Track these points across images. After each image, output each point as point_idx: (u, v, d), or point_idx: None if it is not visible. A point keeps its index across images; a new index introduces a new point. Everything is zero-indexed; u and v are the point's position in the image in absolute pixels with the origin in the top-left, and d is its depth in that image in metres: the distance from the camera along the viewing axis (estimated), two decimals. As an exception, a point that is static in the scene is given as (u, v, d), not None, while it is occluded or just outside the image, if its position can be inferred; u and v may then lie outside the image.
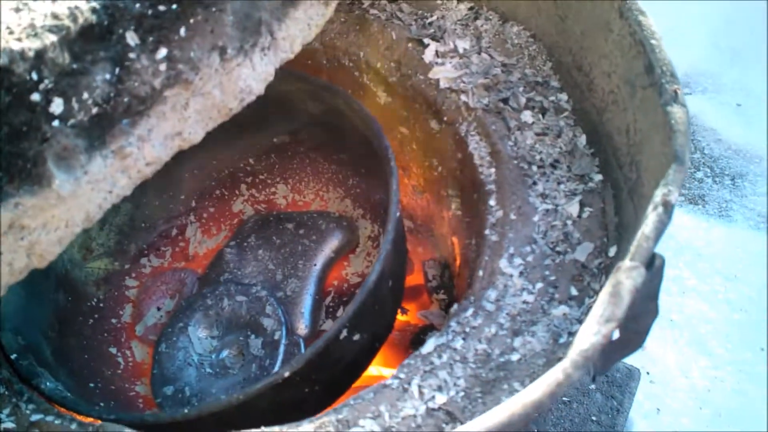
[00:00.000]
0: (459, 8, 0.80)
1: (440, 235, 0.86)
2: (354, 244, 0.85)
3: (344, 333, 0.61)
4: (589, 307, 0.56)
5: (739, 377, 1.10)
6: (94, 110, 0.46)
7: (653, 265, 0.43)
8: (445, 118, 0.75)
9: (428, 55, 0.77)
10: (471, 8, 0.80)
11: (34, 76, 0.41)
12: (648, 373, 1.10)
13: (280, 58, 0.62)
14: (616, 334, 0.39)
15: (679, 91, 0.52)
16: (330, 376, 0.64)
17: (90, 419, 0.58)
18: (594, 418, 0.88)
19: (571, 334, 0.54)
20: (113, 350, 0.80)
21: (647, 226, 0.44)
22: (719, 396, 1.08)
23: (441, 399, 0.51)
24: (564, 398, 0.90)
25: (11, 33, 0.41)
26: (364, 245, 0.86)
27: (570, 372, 0.37)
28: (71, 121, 0.45)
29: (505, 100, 0.71)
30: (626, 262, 0.42)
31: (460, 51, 0.76)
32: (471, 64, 0.75)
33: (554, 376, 0.37)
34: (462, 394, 0.52)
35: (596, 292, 0.56)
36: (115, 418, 0.58)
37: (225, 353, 0.78)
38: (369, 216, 0.86)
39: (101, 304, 0.82)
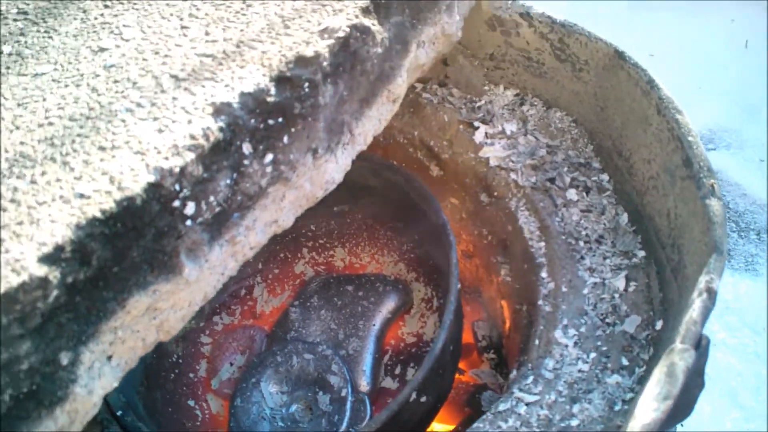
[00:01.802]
0: (506, 94, 0.88)
1: (489, 298, 0.93)
2: (409, 306, 0.93)
3: (413, 396, 0.68)
4: (640, 377, 0.62)
5: (772, 429, 1.15)
6: (217, 209, 0.55)
7: (701, 345, 0.50)
8: (495, 193, 0.83)
9: (478, 136, 0.86)
10: (517, 95, 0.88)
11: (177, 187, 0.50)
12: (682, 425, 1.15)
13: (356, 150, 0.70)
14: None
15: (716, 185, 0.60)
16: (400, 435, 0.71)
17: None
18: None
19: (625, 402, 0.60)
20: (191, 403, 0.88)
21: (694, 311, 0.51)
22: (752, 447, 1.13)
23: (508, 460, 0.58)
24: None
25: (159, 153, 0.50)
26: (418, 307, 0.93)
27: (634, 442, 0.44)
28: (199, 220, 0.53)
29: (552, 180, 0.79)
30: (678, 345, 0.49)
31: (508, 133, 0.85)
32: (518, 145, 0.83)
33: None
34: (527, 455, 0.58)
35: (645, 362, 0.63)
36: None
37: (294, 407, 0.86)
38: (422, 279, 0.93)
39: (180, 360, 0.90)
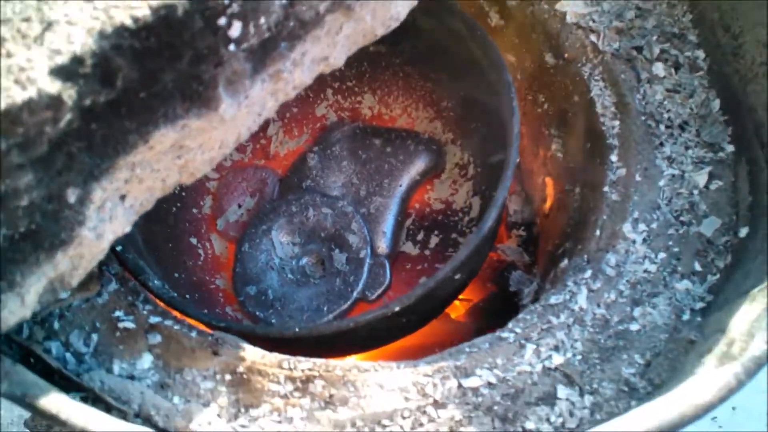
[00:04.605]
0: (598, -64, 0.74)
1: (528, 170, 0.85)
2: (440, 169, 0.84)
3: (450, 273, 0.61)
4: (712, 285, 0.56)
5: None
6: (266, 35, 0.43)
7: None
8: (565, 55, 0.72)
9: (557, -17, 0.72)
10: (611, -62, 0.74)
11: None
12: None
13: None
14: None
15: None
16: (428, 309, 0.66)
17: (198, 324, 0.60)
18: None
19: (695, 311, 0.54)
20: (194, 240, 0.81)
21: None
22: None
23: (558, 359, 0.53)
24: None
25: (206, -52, 0.38)
26: (450, 172, 0.84)
27: (742, 379, 0.38)
28: (244, 45, 0.42)
29: (638, 48, 0.68)
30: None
31: (593, -15, 0.72)
32: (603, 2, 0.71)
33: (725, 379, 0.38)
34: (579, 357, 0.53)
35: (720, 271, 0.57)
36: (225, 326, 0.59)
37: (305, 260, 0.79)
38: (459, 142, 0.84)
39: (183, 193, 0.82)
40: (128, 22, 0.34)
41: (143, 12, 0.35)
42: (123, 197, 0.44)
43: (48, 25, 0.34)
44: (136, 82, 0.37)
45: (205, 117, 0.43)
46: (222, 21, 0.39)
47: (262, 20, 0.42)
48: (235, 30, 0.41)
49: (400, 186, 0.82)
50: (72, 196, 0.38)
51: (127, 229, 0.45)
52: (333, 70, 0.89)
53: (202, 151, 0.46)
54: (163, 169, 0.45)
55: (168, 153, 0.44)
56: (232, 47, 0.41)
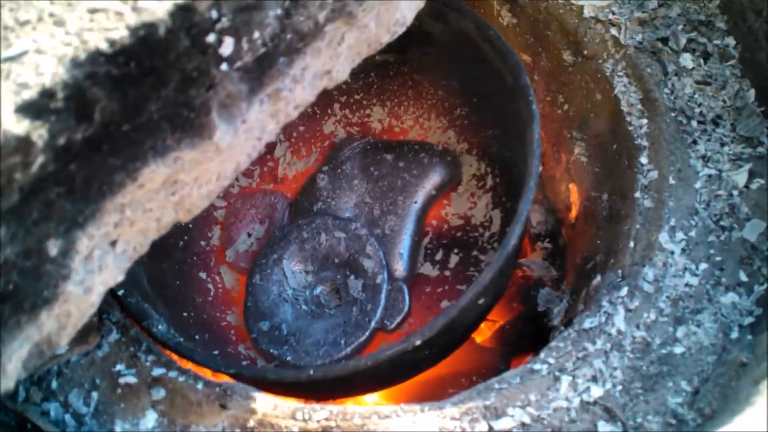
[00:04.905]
0: (610, -76, 0.69)
1: (549, 177, 0.80)
2: (456, 182, 0.80)
3: (474, 298, 0.56)
4: (760, 296, 0.51)
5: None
6: (261, 51, 0.39)
7: None
8: (585, 52, 0.67)
9: (571, -24, 0.68)
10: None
11: (214, 14, 0.34)
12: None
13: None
14: None
15: None
16: (451, 339, 0.61)
17: (207, 371, 0.55)
18: None
19: (743, 327, 0.49)
20: (203, 275, 0.77)
21: None
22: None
23: (597, 392, 0.48)
24: None
25: (187, -41, 0.34)
26: (468, 184, 0.80)
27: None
28: (237, 64, 0.38)
29: (664, 40, 0.63)
30: None
31: (610, -24, 0.67)
32: (621, -7, 0.66)
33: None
34: (620, 388, 0.48)
35: (767, 280, 0.52)
36: (235, 372, 0.55)
37: (319, 289, 0.75)
38: (476, 152, 0.80)
39: (189, 225, 0.78)
40: (104, 46, 0.30)
41: (120, 34, 0.30)
42: (113, 243, 0.39)
43: (14, 55, 0.30)
44: (117, 114, 0.32)
45: (199, 147, 0.39)
46: (211, 38, 0.35)
47: (257, 34, 0.38)
48: (227, 47, 0.37)
49: (415, 203, 0.77)
50: (53, 248, 0.34)
51: (120, 278, 0.40)
52: (338, 83, 0.86)
53: (199, 184, 0.42)
54: (157, 207, 0.40)
55: (161, 190, 0.40)
56: (224, 67, 0.37)
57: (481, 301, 0.58)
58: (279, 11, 0.39)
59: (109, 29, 0.30)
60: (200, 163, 0.40)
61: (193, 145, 0.39)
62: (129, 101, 0.32)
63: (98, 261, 0.38)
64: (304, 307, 0.74)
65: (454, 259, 0.77)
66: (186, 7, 0.32)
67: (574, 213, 0.74)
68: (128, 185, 0.37)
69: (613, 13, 0.65)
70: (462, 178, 0.80)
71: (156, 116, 0.34)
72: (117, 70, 0.31)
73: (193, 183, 0.41)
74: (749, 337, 0.49)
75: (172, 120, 0.36)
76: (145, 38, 0.31)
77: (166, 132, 0.36)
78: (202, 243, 0.78)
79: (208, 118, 0.38)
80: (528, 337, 0.73)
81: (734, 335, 0.49)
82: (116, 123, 0.33)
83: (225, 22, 0.35)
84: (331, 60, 0.47)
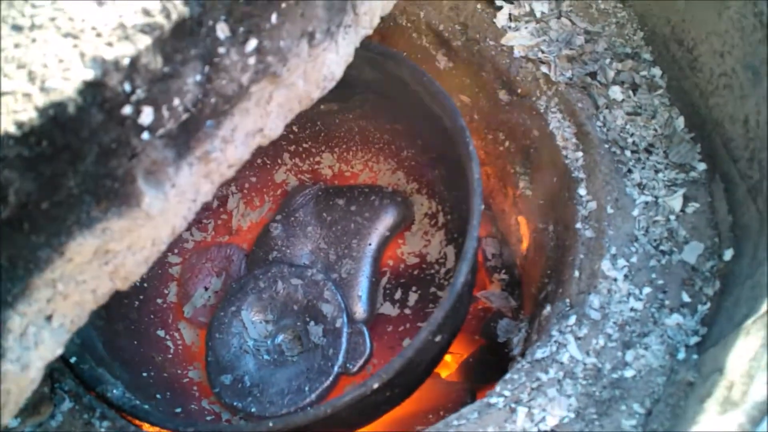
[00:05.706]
0: (535, -34, 0.72)
1: (500, 211, 0.81)
2: (409, 222, 0.81)
3: (429, 337, 0.57)
4: (704, 316, 0.52)
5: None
6: (184, 117, 0.40)
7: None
8: (518, 90, 0.69)
9: (501, 18, 0.70)
10: (549, -34, 0.72)
11: (128, 87, 0.35)
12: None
13: (360, 36, 0.55)
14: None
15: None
16: (411, 378, 0.61)
17: None
18: None
19: (689, 348, 0.50)
20: (161, 333, 0.76)
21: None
22: None
23: (552, 421, 0.48)
24: None
25: (99, 36, 0.35)
26: (420, 223, 0.81)
27: (747, 429, 0.34)
28: (160, 132, 0.39)
29: (592, 74, 0.65)
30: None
31: (538, 14, 0.70)
32: (549, 31, 0.69)
33: (727, 428, 0.34)
34: (574, 415, 0.48)
35: (710, 299, 0.53)
36: (192, 431, 0.54)
37: (280, 338, 0.75)
38: (425, 191, 0.81)
39: (145, 284, 0.78)
40: (12, 129, 0.31)
41: (29, 115, 0.31)
42: (49, 318, 0.39)
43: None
44: (34, 194, 0.33)
45: (127, 215, 0.39)
46: (127, 110, 0.36)
47: (176, 102, 0.39)
48: (146, 117, 0.37)
49: (370, 245, 0.78)
50: (-19, 328, 0.34)
51: (59, 351, 0.40)
52: (287, 133, 0.87)
53: (133, 252, 0.42)
54: (90, 279, 0.41)
55: (92, 261, 0.40)
56: (145, 135, 0.38)
57: (438, 339, 0.59)
58: (199, 77, 0.40)
59: (18, 111, 0.31)
60: (131, 231, 0.40)
61: (121, 213, 0.39)
62: (45, 179, 0.33)
63: (34, 337, 0.38)
64: (266, 356, 0.73)
65: (413, 297, 0.77)
66: (95, 83, 0.33)
67: (525, 244, 0.75)
68: (56, 260, 0.37)
69: (543, 52, 0.67)
70: (414, 217, 0.81)
71: (76, 190, 0.35)
72: (28, 150, 0.31)
73: (127, 251, 0.42)
74: (695, 356, 0.50)
75: (94, 192, 0.37)
76: (54, 117, 0.31)
77: (89, 204, 0.37)
78: (159, 300, 0.78)
79: (134, 186, 0.39)
80: (492, 368, 0.73)
81: (681, 355, 0.50)
82: (34, 202, 0.33)
83: (140, 93, 0.36)
84: (262, 118, 0.48)
